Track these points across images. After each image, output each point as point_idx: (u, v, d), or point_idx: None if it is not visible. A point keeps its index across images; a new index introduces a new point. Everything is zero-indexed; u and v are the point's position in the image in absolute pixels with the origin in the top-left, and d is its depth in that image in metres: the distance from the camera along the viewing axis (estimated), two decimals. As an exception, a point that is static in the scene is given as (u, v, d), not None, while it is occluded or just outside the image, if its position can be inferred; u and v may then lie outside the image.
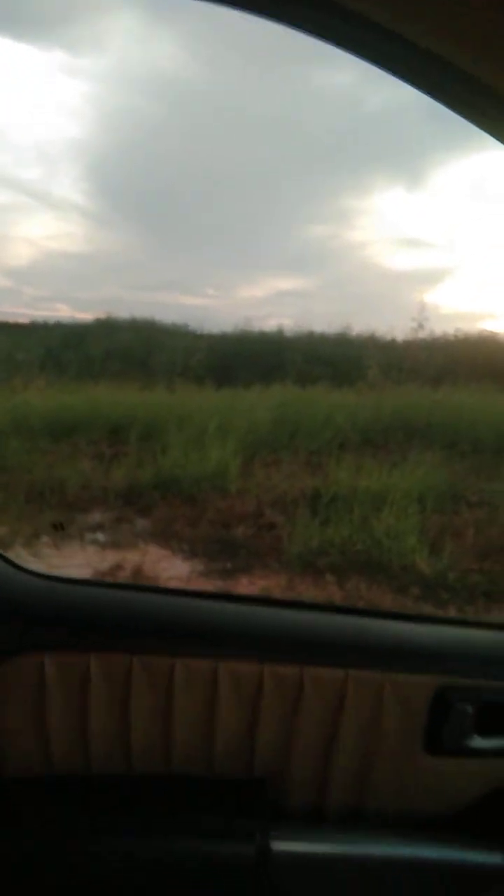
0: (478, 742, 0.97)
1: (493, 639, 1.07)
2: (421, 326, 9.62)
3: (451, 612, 3.70)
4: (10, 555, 1.08)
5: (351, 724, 0.96)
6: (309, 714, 0.96)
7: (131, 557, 4.26)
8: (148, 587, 1.17)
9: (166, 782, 0.99)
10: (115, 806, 0.96)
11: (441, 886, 0.96)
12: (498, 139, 0.65)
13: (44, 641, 0.96)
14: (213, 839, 0.93)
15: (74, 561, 4.20)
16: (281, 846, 0.93)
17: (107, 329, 11.25)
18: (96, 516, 4.92)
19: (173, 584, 3.97)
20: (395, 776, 0.99)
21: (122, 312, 12.31)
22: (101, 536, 4.62)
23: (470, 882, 0.95)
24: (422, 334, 9.68)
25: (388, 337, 10.70)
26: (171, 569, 4.17)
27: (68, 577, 1.12)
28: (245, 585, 4.00)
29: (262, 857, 0.91)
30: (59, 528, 4.36)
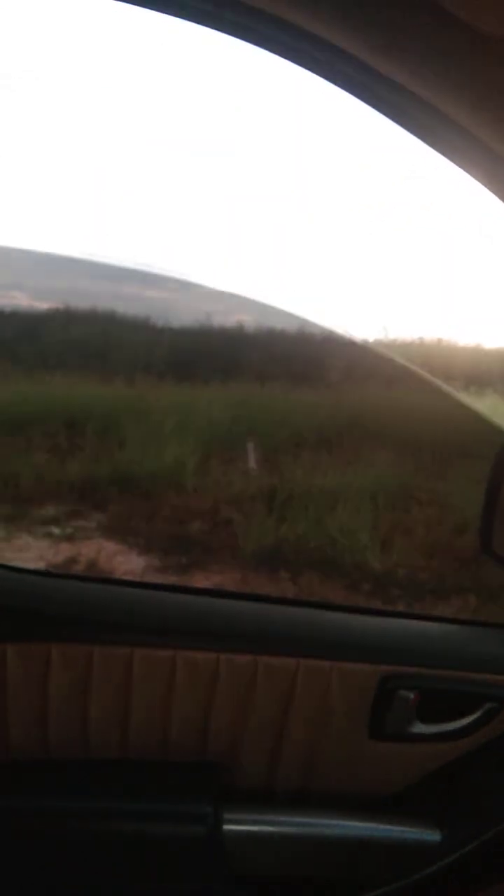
0: (418, 727, 1.03)
1: (433, 629, 1.14)
2: (383, 329, 9.80)
3: (401, 608, 3.81)
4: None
5: (300, 710, 1.01)
6: (261, 701, 1.01)
7: (86, 552, 4.24)
8: (109, 579, 1.20)
9: (122, 767, 1.02)
10: (72, 790, 0.99)
11: (382, 862, 1.02)
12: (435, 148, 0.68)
13: (4, 632, 0.99)
14: (166, 821, 0.97)
15: (28, 554, 4.15)
16: (231, 826, 0.97)
17: (65, 319, 11.06)
18: (51, 510, 4.87)
19: (128, 579, 3.98)
20: (341, 760, 1.05)
21: (81, 302, 12.11)
22: (55, 530, 4.58)
23: (409, 857, 1.01)
24: (380, 337, 9.87)
25: (348, 338, 10.85)
26: (126, 563, 4.17)
27: (27, 568, 1.15)
28: (200, 581, 4.03)
29: (212, 836, 0.96)
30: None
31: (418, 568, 4.22)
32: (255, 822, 1.00)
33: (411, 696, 1.02)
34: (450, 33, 0.52)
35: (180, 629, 1.02)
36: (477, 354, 10.71)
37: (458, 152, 0.64)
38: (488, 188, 0.68)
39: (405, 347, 10.34)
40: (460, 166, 0.66)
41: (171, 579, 4.01)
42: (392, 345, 10.19)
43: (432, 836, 1.01)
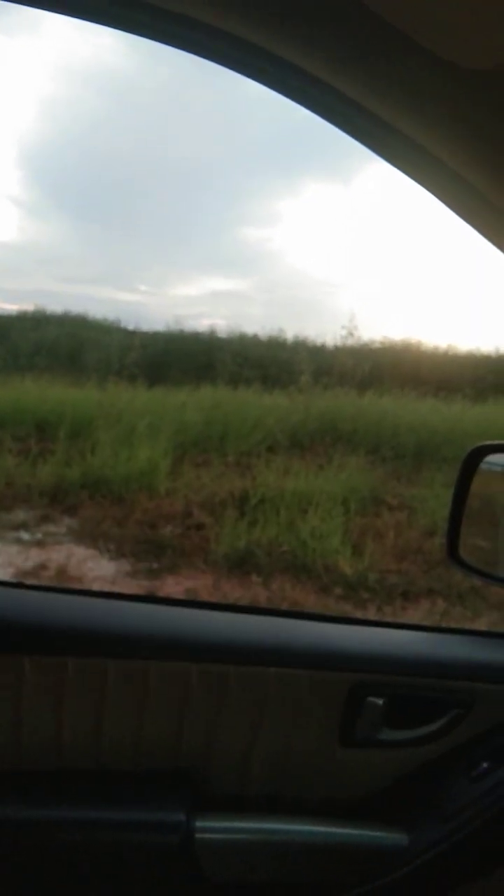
0: (387, 734, 1.06)
1: (402, 637, 1.17)
2: (351, 334, 9.92)
3: (371, 611, 3.85)
4: None
5: (272, 718, 1.03)
6: (233, 710, 1.02)
7: (56, 557, 4.20)
8: (82, 591, 1.20)
9: (95, 777, 1.02)
10: (44, 800, 0.99)
11: (352, 866, 1.04)
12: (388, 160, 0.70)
13: None
14: (139, 830, 0.97)
15: (-4, 560, 4.10)
16: (204, 834, 0.98)
17: (35, 322, 10.96)
18: (20, 514, 4.81)
19: (98, 585, 3.95)
20: (312, 766, 1.06)
21: (52, 305, 12.03)
22: (25, 535, 4.53)
23: (378, 861, 1.04)
24: (350, 341, 9.99)
25: (319, 342, 10.97)
26: (98, 569, 4.14)
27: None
28: (171, 585, 4.02)
29: (185, 844, 0.96)
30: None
31: (388, 571, 4.26)
32: (227, 830, 1.01)
33: (380, 703, 1.04)
34: (426, 67, 0.54)
35: (153, 640, 1.03)
36: (446, 359, 10.90)
37: (436, 185, 0.67)
38: (469, 222, 0.71)
39: (375, 352, 10.46)
40: (444, 202, 0.69)
41: (142, 584, 3.99)
42: (362, 349, 10.30)
43: (400, 840, 1.03)
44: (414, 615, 3.86)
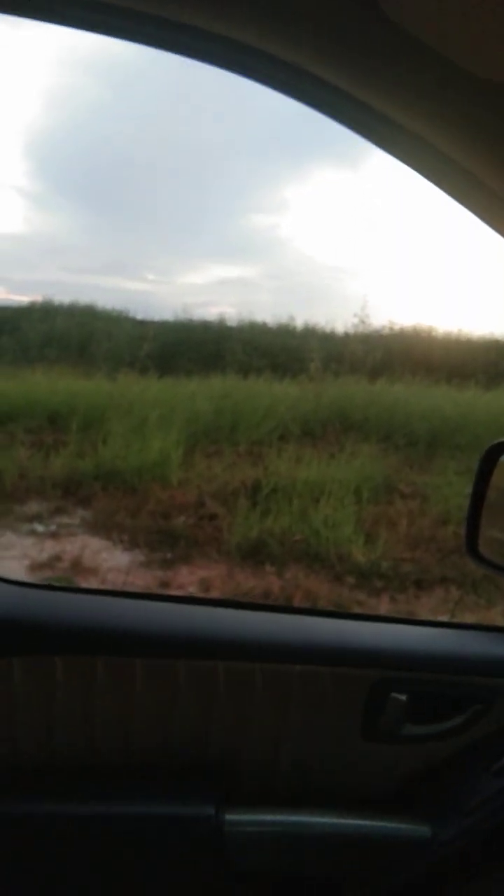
0: (409, 729, 1.07)
1: (424, 634, 1.18)
2: (363, 322, 9.87)
3: (385, 600, 3.86)
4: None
5: (297, 714, 1.04)
6: (259, 706, 1.04)
7: (70, 548, 4.23)
8: (110, 591, 1.22)
9: (125, 772, 1.05)
10: (76, 795, 1.02)
11: (377, 857, 1.06)
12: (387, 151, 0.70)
13: (9, 646, 1.00)
14: (169, 823, 1.00)
15: (11, 552, 4.14)
16: (233, 827, 1.00)
17: (44, 313, 10.98)
18: (34, 506, 4.85)
19: (113, 575, 3.98)
20: (336, 761, 1.08)
21: (60, 295, 12.06)
22: (39, 527, 4.56)
23: (402, 853, 1.05)
24: (361, 328, 9.94)
25: (329, 329, 10.93)
26: (111, 559, 4.17)
27: (30, 582, 1.16)
28: (185, 576, 4.05)
29: (214, 837, 0.99)
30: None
31: (401, 560, 4.26)
32: (255, 823, 1.03)
33: (403, 698, 1.05)
34: (448, 78, 0.54)
35: (181, 639, 1.04)
36: (458, 346, 10.82)
37: (455, 188, 0.67)
38: (484, 221, 0.71)
39: (386, 339, 10.40)
40: (458, 201, 0.69)
41: (156, 575, 4.02)
42: (373, 336, 10.25)
43: (423, 832, 1.05)
44: (427, 603, 3.86)
